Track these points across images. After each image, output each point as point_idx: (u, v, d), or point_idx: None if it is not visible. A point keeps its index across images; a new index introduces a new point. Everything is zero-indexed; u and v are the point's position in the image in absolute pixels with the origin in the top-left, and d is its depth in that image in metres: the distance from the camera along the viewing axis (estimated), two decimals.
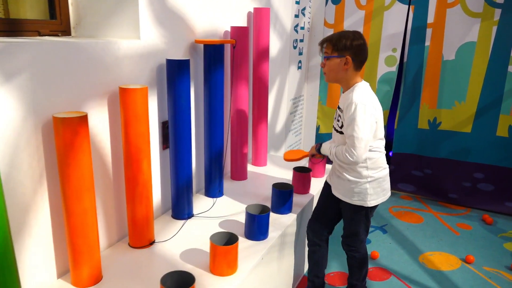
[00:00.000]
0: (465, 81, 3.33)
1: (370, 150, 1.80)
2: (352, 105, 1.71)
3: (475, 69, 3.28)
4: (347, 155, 1.73)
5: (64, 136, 1.33)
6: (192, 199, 2.05)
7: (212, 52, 2.08)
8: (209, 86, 2.13)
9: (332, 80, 1.86)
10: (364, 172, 1.83)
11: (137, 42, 1.73)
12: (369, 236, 2.94)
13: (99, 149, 1.63)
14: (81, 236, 1.43)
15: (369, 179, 1.82)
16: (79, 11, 1.82)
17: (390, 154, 3.80)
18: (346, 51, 1.76)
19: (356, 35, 1.78)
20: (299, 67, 3.62)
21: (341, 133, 1.82)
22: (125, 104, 1.58)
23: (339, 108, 1.85)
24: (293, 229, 2.13)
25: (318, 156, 2.07)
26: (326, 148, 1.93)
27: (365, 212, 1.90)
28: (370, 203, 1.85)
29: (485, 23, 3.17)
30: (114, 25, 1.78)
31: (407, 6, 3.38)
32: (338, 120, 1.86)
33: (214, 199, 2.27)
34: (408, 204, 3.55)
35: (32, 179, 1.37)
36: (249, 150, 2.89)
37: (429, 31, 3.35)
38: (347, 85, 1.82)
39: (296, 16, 3.38)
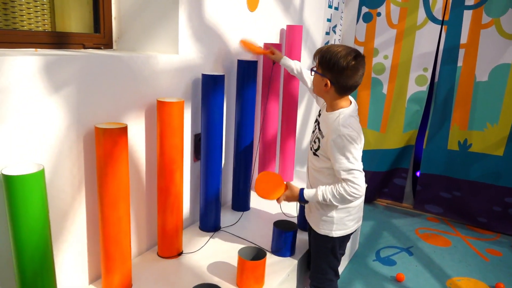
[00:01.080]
0: (498, 103, 3.27)
1: None
2: (342, 139, 1.51)
3: (509, 91, 3.21)
4: (355, 191, 1.51)
5: (105, 146, 1.38)
6: (221, 213, 2.07)
7: (246, 68, 2.12)
8: (241, 101, 2.16)
9: (317, 94, 1.68)
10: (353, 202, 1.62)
11: (175, 56, 1.78)
12: (395, 258, 2.89)
13: (135, 159, 1.68)
14: (114, 244, 1.47)
15: (335, 209, 1.64)
16: (121, 25, 1.90)
17: (418, 174, 3.74)
18: (327, 72, 1.55)
19: (346, 56, 1.50)
20: None
21: (316, 155, 1.65)
22: (162, 116, 1.63)
23: (319, 129, 1.65)
24: None
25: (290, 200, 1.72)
26: (312, 195, 1.61)
27: (332, 245, 1.70)
28: (336, 233, 1.66)
29: None
30: (154, 40, 1.85)
31: (439, 26, 3.36)
32: (315, 142, 1.67)
33: (241, 212, 2.29)
34: (435, 226, 3.48)
35: (72, 186, 1.42)
36: (276, 165, 2.90)
37: (461, 52, 3.32)
38: (330, 106, 1.63)
39: (327, 33, 3.41)
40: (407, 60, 3.51)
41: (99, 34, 1.83)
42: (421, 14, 3.40)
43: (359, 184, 1.51)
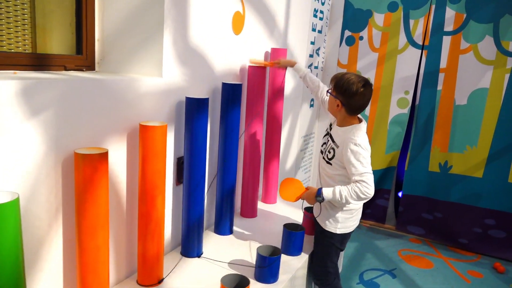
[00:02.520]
0: (477, 126, 3.34)
1: None
2: (357, 147, 1.78)
3: (487, 115, 3.29)
4: (367, 191, 1.75)
5: (84, 172, 1.34)
6: (203, 237, 2.02)
7: (231, 91, 2.12)
8: (225, 124, 2.15)
9: (330, 111, 1.99)
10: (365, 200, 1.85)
11: (159, 79, 1.77)
12: (378, 280, 2.87)
13: (115, 184, 1.63)
14: (92, 273, 1.42)
15: (340, 210, 1.92)
16: (104, 47, 1.87)
17: (400, 195, 3.77)
18: (340, 95, 1.84)
19: (357, 83, 1.79)
20: (311, 105, 3.66)
21: (329, 163, 1.92)
22: (144, 140, 1.60)
23: (333, 141, 1.92)
24: (304, 271, 2.09)
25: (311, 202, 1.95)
26: (330, 193, 1.82)
27: (334, 240, 1.97)
28: (340, 230, 1.96)
29: (498, 71, 3.21)
30: (138, 62, 1.83)
31: (420, 50, 3.44)
32: (329, 152, 1.93)
33: (225, 236, 2.25)
34: (417, 247, 3.49)
35: (48, 214, 1.37)
36: (260, 186, 2.88)
37: (441, 76, 3.40)
38: (342, 123, 1.91)
39: (311, 55, 3.45)
40: (389, 83, 3.58)
41: (81, 55, 1.80)
42: (402, 38, 3.48)
43: (371, 185, 1.76)
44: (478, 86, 3.29)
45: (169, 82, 1.83)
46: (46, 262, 1.39)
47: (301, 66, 2.39)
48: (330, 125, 2.03)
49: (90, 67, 1.85)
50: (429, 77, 3.43)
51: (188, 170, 1.90)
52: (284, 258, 2.04)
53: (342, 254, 2.46)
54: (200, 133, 1.88)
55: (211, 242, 2.17)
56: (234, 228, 2.34)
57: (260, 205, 2.75)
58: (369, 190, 1.75)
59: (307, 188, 1.96)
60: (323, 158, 1.98)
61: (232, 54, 2.30)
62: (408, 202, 3.66)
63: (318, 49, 3.59)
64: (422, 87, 3.46)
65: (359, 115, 1.93)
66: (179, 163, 1.97)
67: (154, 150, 1.61)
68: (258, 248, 1.85)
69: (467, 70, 3.30)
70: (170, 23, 1.77)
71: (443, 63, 3.38)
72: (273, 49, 2.61)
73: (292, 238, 2.07)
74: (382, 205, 3.83)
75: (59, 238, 1.42)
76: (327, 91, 1.94)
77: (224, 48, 2.22)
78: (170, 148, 1.92)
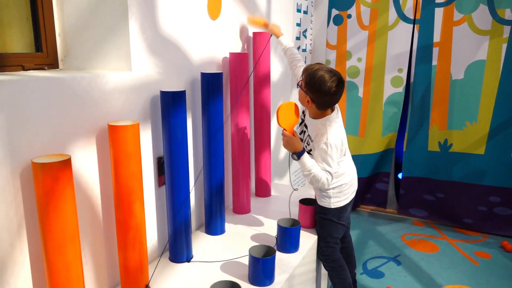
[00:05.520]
0: (476, 100, 3.20)
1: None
2: (328, 146, 1.83)
3: (486, 88, 3.15)
4: (325, 183, 1.87)
5: (44, 183, 1.19)
6: (191, 241, 1.89)
7: (210, 81, 1.96)
8: (208, 117, 2.00)
9: (300, 103, 1.96)
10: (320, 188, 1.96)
11: (128, 74, 1.61)
12: (383, 269, 2.76)
13: (87, 191, 1.49)
14: None
15: (331, 186, 1.95)
16: (67, 42, 1.71)
17: (400, 176, 3.64)
18: (311, 92, 1.83)
19: (330, 82, 1.76)
20: None
21: (310, 154, 1.94)
22: (114, 142, 1.45)
23: (308, 135, 1.98)
24: (302, 269, 1.96)
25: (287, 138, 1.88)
26: (307, 161, 1.84)
27: (331, 215, 2.02)
28: (334, 204, 2.00)
29: (494, 41, 3.05)
30: (105, 56, 1.67)
31: (411, 25, 3.28)
32: (308, 144, 1.99)
33: (216, 237, 2.11)
34: (421, 231, 3.37)
35: (9, 232, 1.22)
36: (252, 180, 2.74)
37: (435, 50, 3.24)
38: (314, 115, 1.93)
39: (298, 38, 3.28)
40: (381, 61, 3.42)
41: (42, 53, 1.64)
42: (392, 14, 3.32)
43: (328, 181, 1.87)
44: (474, 59, 3.14)
45: (140, 75, 1.67)
46: (12, 287, 1.25)
47: (286, 40, 2.34)
48: (303, 111, 2.04)
49: (53, 65, 1.69)
50: (422, 52, 3.27)
51: (169, 169, 1.76)
52: (280, 256, 1.91)
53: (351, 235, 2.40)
54: (179, 129, 1.72)
55: (202, 244, 2.03)
56: (227, 226, 2.21)
57: (254, 200, 2.61)
58: (326, 185, 1.88)
59: (294, 133, 1.89)
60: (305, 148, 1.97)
61: (211, 41, 2.14)
62: (408, 184, 3.53)
63: (305, 30, 3.42)
64: (416, 64, 3.30)
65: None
66: (159, 163, 1.83)
67: (126, 152, 1.46)
68: (250, 249, 1.72)
69: (462, 43, 3.15)
70: (135, 11, 1.60)
71: (436, 37, 3.22)
72: (255, 34, 2.44)
73: (288, 234, 1.94)
74: (382, 189, 3.70)
75: (25, 257, 1.28)
76: (297, 84, 1.93)
77: (201, 36, 2.05)
78: (148, 148, 1.77)
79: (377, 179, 3.68)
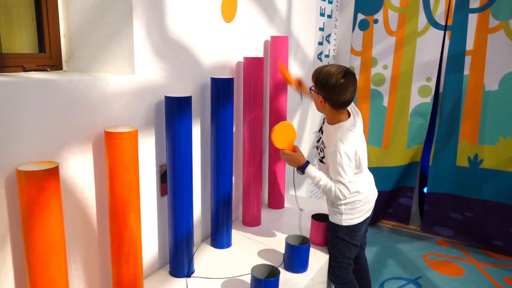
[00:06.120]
0: (511, 114, 2.96)
1: None
2: (337, 154, 1.72)
3: None
4: (339, 195, 1.76)
5: (28, 193, 1.12)
6: (193, 254, 1.79)
7: (220, 87, 1.86)
8: (216, 124, 1.90)
9: (317, 109, 1.87)
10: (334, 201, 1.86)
11: (130, 77, 1.53)
12: None
13: (82, 201, 1.41)
14: None
15: (343, 201, 1.84)
16: (72, 43, 1.65)
17: (425, 191, 3.43)
18: (321, 90, 1.76)
19: (336, 75, 1.69)
20: None
21: (322, 162, 1.88)
22: (110, 150, 1.37)
23: (322, 141, 1.88)
24: None
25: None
26: (313, 174, 1.79)
27: (342, 233, 1.89)
28: (345, 222, 1.87)
29: None
30: (109, 59, 1.60)
31: (442, 32, 3.08)
32: (321, 151, 1.89)
33: (221, 250, 2.01)
34: (445, 251, 3.15)
35: None
36: (265, 191, 2.62)
37: (468, 59, 3.03)
38: (330, 120, 1.84)
39: (320, 43, 3.15)
40: (409, 69, 3.23)
41: (45, 54, 1.58)
42: (422, 19, 3.13)
43: (342, 193, 1.75)
44: (510, 69, 2.91)
45: (144, 79, 1.59)
46: None
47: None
48: (324, 119, 1.94)
49: (57, 66, 1.63)
50: (454, 61, 3.07)
51: (172, 179, 1.66)
52: (287, 276, 1.79)
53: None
54: (183, 136, 1.63)
55: (206, 257, 1.93)
56: (234, 239, 2.10)
57: (266, 211, 2.49)
58: (339, 197, 1.76)
59: (294, 148, 1.87)
60: (319, 160, 1.92)
61: (224, 45, 2.04)
62: (434, 200, 3.32)
63: (329, 35, 3.28)
64: (446, 73, 3.10)
65: (349, 109, 1.84)
66: (162, 171, 1.74)
67: (122, 161, 1.37)
68: (252, 269, 1.60)
69: (498, 51, 2.93)
70: (140, 12, 1.52)
71: (469, 45, 3.01)
72: (273, 38, 2.33)
73: (296, 252, 1.81)
74: (405, 204, 3.50)
75: (9, 272, 1.21)
76: (310, 88, 1.85)
77: (213, 39, 1.96)
78: (151, 156, 1.69)
79: (400, 193, 3.49)
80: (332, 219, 1.92)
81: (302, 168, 1.80)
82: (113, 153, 1.36)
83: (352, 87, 1.73)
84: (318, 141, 1.96)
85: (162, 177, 1.74)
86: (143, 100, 1.60)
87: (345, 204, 1.86)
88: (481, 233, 3.17)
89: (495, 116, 3.02)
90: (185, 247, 1.74)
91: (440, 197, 3.29)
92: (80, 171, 1.39)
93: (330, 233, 1.96)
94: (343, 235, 1.90)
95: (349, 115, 1.83)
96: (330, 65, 1.77)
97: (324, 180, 1.77)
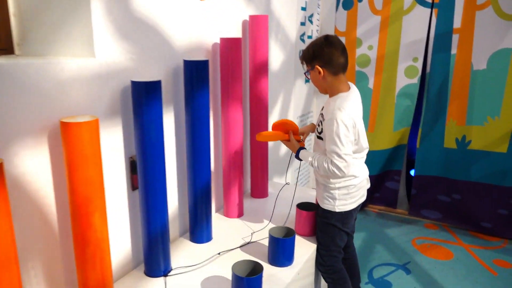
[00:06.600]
0: (499, 93, 2.88)
1: None
2: (334, 122, 1.64)
3: (511, 80, 2.83)
4: (335, 169, 1.66)
5: None
6: (170, 251, 1.66)
7: (194, 70, 1.72)
8: (191, 110, 1.76)
9: (322, 91, 1.82)
10: (332, 178, 1.76)
11: (90, 60, 1.37)
12: (390, 278, 2.51)
13: (39, 200, 1.27)
14: None
15: (337, 185, 1.77)
16: (24, 24, 1.48)
17: (412, 175, 3.36)
18: (314, 61, 1.74)
19: (322, 40, 1.71)
20: (307, 81, 3.22)
21: (320, 138, 1.79)
22: (67, 142, 1.22)
23: (321, 114, 1.80)
24: (297, 285, 1.72)
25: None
26: (305, 156, 1.80)
27: (335, 219, 1.81)
28: (339, 208, 1.79)
29: None
30: (66, 41, 1.43)
31: (429, 9, 2.96)
32: (319, 124, 1.81)
33: (201, 244, 1.89)
34: (434, 234, 3.10)
35: None
36: (247, 179, 2.50)
37: (455, 37, 2.93)
38: (331, 91, 1.78)
39: (303, 23, 3.00)
40: (395, 49, 3.12)
41: None
42: None
43: (338, 166, 1.64)
44: (499, 47, 2.82)
45: (106, 63, 1.43)
46: None
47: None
48: (323, 107, 1.87)
49: (8, 50, 1.46)
50: (441, 39, 2.96)
51: (142, 171, 1.52)
52: (271, 270, 1.68)
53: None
54: (152, 125, 1.49)
55: (184, 253, 1.81)
56: (215, 232, 1.98)
57: (249, 201, 2.38)
58: (335, 172, 1.66)
59: (288, 136, 1.90)
60: (316, 136, 1.84)
61: (198, 25, 1.89)
62: (421, 183, 3.25)
63: (311, 15, 3.13)
64: (433, 52, 2.99)
65: (349, 83, 1.80)
66: (132, 164, 1.60)
67: (82, 154, 1.23)
68: (233, 266, 1.48)
69: (486, 29, 2.82)
70: None
71: (457, 23, 2.90)
72: (252, 17, 2.18)
73: (280, 246, 1.70)
74: (392, 188, 3.43)
75: None
76: (305, 74, 1.84)
77: (186, 18, 1.80)
78: (120, 147, 1.54)
79: (387, 177, 3.41)
80: (324, 205, 1.82)
81: (296, 154, 1.83)
82: (71, 145, 1.22)
83: (340, 46, 1.70)
84: (318, 126, 1.82)
85: (132, 171, 1.60)
86: (106, 85, 1.44)
87: (339, 188, 1.77)
88: (470, 215, 3.12)
89: (483, 96, 2.93)
90: (160, 244, 1.61)
91: (428, 180, 3.22)
92: (34, 167, 1.24)
93: (321, 220, 1.85)
94: (336, 221, 1.81)
95: (349, 87, 1.77)
96: (312, 41, 1.78)
97: (317, 158, 1.72)
